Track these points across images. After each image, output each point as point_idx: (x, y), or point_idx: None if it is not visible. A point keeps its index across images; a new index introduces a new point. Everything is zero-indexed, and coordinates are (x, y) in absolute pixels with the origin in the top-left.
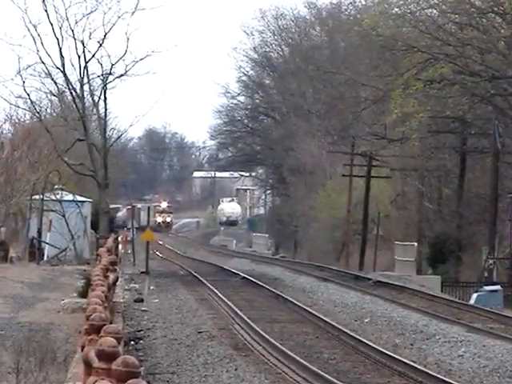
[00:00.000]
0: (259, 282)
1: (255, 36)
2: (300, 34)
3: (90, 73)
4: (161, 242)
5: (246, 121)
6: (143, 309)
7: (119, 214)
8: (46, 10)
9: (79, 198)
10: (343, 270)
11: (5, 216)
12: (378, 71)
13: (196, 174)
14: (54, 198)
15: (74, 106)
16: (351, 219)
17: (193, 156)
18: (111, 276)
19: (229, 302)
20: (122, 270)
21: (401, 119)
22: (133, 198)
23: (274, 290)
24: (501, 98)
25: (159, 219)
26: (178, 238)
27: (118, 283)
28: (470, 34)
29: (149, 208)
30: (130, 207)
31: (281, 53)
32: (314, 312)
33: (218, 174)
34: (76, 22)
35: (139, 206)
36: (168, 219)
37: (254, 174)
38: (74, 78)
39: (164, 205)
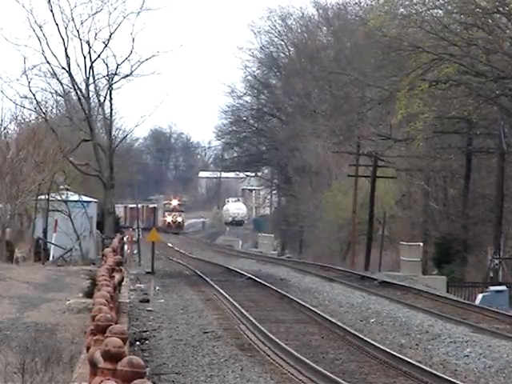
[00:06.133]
0: (265, 283)
1: (261, 36)
2: (306, 35)
3: (95, 73)
4: (170, 245)
5: (251, 121)
6: (149, 309)
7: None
8: (51, 11)
9: (85, 199)
10: (349, 271)
11: (10, 216)
12: (383, 71)
13: (201, 174)
14: (59, 198)
15: (80, 106)
16: (357, 219)
17: (198, 156)
18: (117, 276)
19: (234, 303)
20: (127, 270)
21: (406, 120)
22: (139, 198)
23: (279, 291)
24: (506, 99)
25: (169, 219)
26: (183, 237)
27: (123, 283)
28: (476, 35)
29: (155, 208)
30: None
31: (287, 53)
32: (319, 312)
33: (224, 174)
34: (81, 23)
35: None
36: (179, 219)
37: (259, 174)
38: (79, 78)
39: (175, 202)
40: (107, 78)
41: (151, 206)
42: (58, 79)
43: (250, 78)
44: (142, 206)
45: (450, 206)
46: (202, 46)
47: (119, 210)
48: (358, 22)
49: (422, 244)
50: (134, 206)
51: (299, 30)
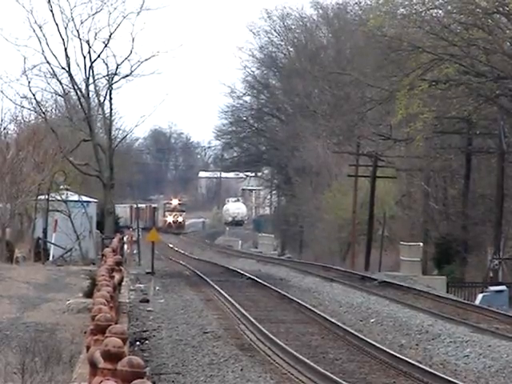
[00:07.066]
0: (265, 283)
1: (261, 36)
2: (306, 35)
3: (95, 73)
4: (170, 245)
5: (251, 121)
6: (149, 309)
7: None
8: (51, 11)
9: (85, 199)
10: (349, 271)
11: (10, 216)
12: (383, 72)
13: (201, 174)
14: (59, 198)
15: (80, 106)
16: (357, 219)
17: (198, 156)
18: (117, 276)
19: (234, 303)
20: (127, 270)
21: (406, 120)
22: (139, 198)
23: (279, 291)
24: (506, 99)
25: (169, 219)
26: (183, 237)
27: (123, 283)
28: (476, 35)
29: (154, 208)
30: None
31: (286, 53)
32: (319, 312)
33: (224, 175)
34: (81, 23)
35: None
36: (180, 219)
37: (259, 174)
38: (79, 78)
39: (175, 202)
40: (107, 77)
41: (154, 205)
42: (57, 79)
43: (249, 78)
44: (146, 206)
45: (450, 205)
46: (201, 46)
47: (125, 210)
48: (358, 22)
49: (422, 244)
50: (139, 206)
51: (299, 30)
